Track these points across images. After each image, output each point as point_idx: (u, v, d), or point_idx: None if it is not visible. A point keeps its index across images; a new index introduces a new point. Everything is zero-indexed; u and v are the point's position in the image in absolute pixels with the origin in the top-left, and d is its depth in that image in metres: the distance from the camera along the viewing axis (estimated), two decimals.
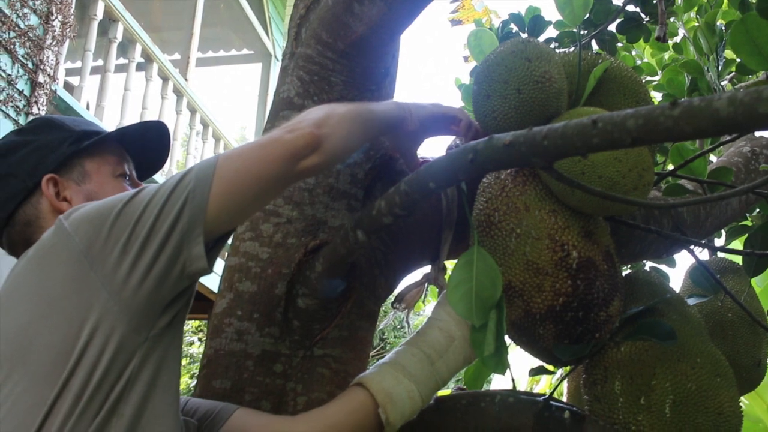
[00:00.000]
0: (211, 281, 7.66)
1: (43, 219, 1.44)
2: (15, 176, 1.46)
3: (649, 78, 3.79)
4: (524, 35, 3.26)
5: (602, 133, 0.98)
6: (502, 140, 1.12)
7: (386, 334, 15.11)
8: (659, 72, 3.74)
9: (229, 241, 1.38)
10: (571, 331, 1.51)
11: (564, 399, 1.91)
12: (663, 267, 2.73)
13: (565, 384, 1.97)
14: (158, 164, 1.68)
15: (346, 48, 1.61)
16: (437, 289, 1.71)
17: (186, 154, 8.55)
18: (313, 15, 1.68)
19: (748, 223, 2.91)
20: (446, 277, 1.70)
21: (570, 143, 1.03)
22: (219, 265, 6.91)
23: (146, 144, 1.61)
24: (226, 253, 1.64)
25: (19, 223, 1.45)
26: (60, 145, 1.48)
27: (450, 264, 1.69)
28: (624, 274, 1.81)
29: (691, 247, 2.02)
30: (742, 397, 4.80)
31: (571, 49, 3.00)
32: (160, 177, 7.26)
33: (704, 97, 0.86)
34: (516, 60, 1.61)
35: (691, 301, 2.02)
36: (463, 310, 1.33)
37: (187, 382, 13.89)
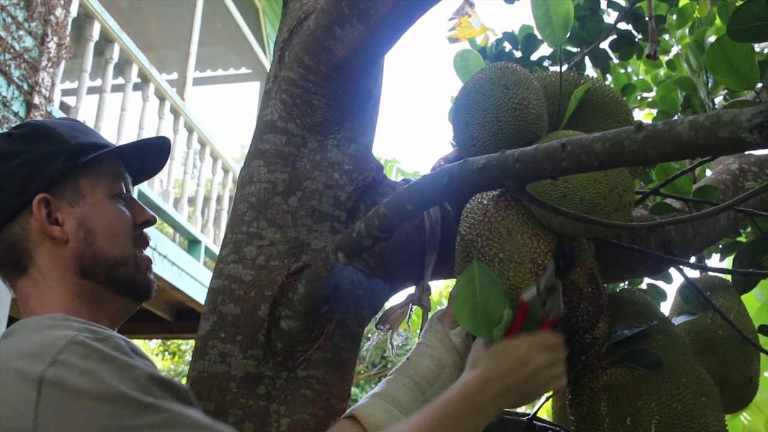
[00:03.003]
0: (198, 294, 7.67)
1: (31, 241, 1.36)
2: (2, 191, 1.36)
3: (644, 94, 3.81)
4: (518, 53, 3.29)
5: (571, 157, 0.99)
6: (475, 163, 1.14)
7: (386, 352, 15.07)
8: (654, 88, 3.76)
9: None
10: None
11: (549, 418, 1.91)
12: (660, 283, 2.74)
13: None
14: (155, 171, 1.62)
15: (328, 71, 1.62)
16: (422, 310, 1.71)
17: (184, 173, 8.58)
18: (296, 38, 1.70)
19: (743, 239, 2.91)
20: (430, 298, 1.71)
21: (541, 166, 1.04)
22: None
23: (144, 155, 1.55)
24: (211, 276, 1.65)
25: (4, 242, 1.37)
26: (54, 159, 1.38)
27: (434, 285, 1.69)
28: (609, 293, 1.82)
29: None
30: (743, 413, 4.80)
31: (565, 68, 3.02)
32: (155, 193, 7.28)
33: (668, 121, 0.87)
34: (494, 87, 1.61)
35: (680, 319, 2.02)
36: (472, 327, 1.32)
37: None
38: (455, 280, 1.54)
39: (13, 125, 5.39)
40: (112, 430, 1.07)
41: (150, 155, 1.57)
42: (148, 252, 1.53)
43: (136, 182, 1.56)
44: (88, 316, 1.35)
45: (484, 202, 1.58)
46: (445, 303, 1.88)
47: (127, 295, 1.45)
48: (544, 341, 1.36)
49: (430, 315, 1.60)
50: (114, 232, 1.42)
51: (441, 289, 10.59)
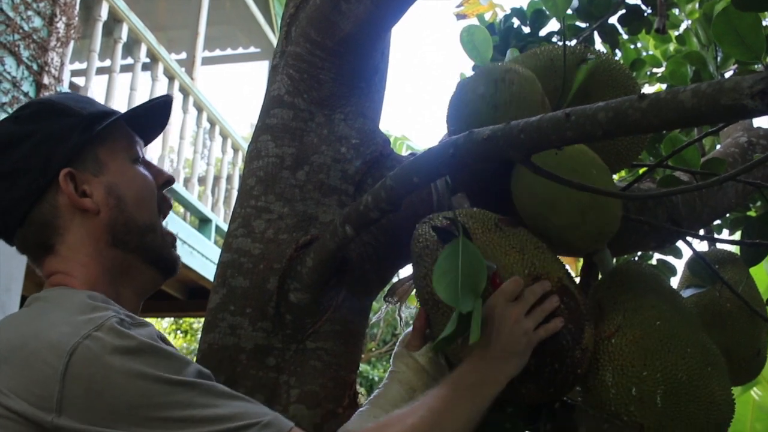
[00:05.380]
0: (209, 273, 7.70)
1: (62, 218, 1.36)
2: (24, 173, 1.34)
3: (654, 70, 3.79)
4: (526, 29, 3.28)
5: (575, 126, 1.00)
6: (481, 134, 1.15)
7: (397, 330, 15.09)
8: (663, 63, 3.74)
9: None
10: (553, 381, 1.48)
11: None
12: (669, 259, 2.74)
13: None
14: (159, 131, 1.61)
15: (334, 46, 1.63)
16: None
17: (194, 153, 8.60)
18: (302, 14, 1.70)
19: (753, 213, 2.91)
20: None
21: (545, 136, 1.05)
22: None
23: (149, 117, 1.54)
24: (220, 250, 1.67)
25: (35, 223, 1.36)
26: (69, 133, 1.36)
27: None
28: (615, 266, 1.82)
29: (689, 237, 2.03)
30: (754, 389, 4.80)
31: (573, 43, 3.00)
32: None
33: (671, 89, 0.87)
34: (483, 105, 1.59)
35: (688, 292, 2.03)
36: (449, 297, 1.31)
37: None
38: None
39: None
40: (141, 408, 1.09)
41: (154, 116, 1.56)
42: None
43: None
44: (113, 291, 1.36)
45: (430, 246, 1.49)
46: None
47: (154, 265, 1.45)
48: (505, 291, 1.39)
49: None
50: (142, 196, 1.43)
51: None
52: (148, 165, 1.49)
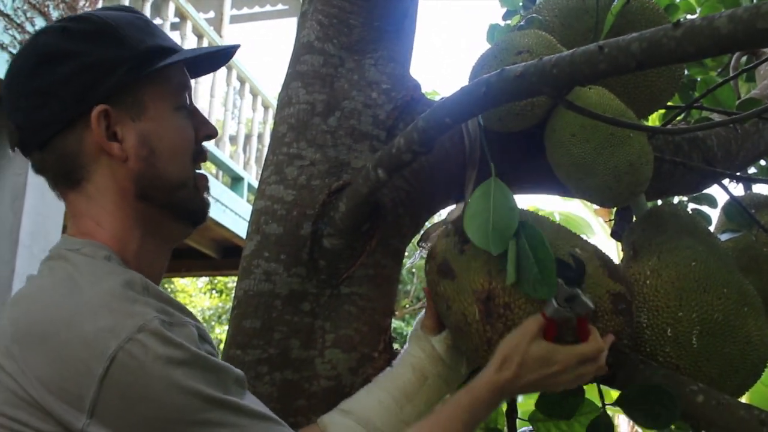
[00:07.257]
0: (243, 231, 7.75)
1: (86, 156, 1.24)
2: (57, 97, 1.21)
3: (688, 17, 3.71)
4: None
5: (608, 59, 0.99)
6: (513, 72, 1.14)
7: None
8: (698, 10, 3.67)
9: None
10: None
11: None
12: (704, 208, 2.71)
13: None
14: (211, 71, 1.51)
15: None
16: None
17: (225, 112, 8.62)
18: None
19: None
20: None
21: (578, 70, 1.04)
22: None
23: (208, 59, 1.42)
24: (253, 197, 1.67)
25: (55, 152, 1.24)
26: (117, 66, 1.23)
27: None
28: (650, 208, 1.81)
29: (725, 181, 2.01)
30: None
31: None
32: None
33: (706, 17, 0.86)
34: None
35: (724, 237, 2.01)
36: (480, 239, 1.31)
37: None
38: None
39: None
40: (176, 423, 1.05)
41: (212, 61, 1.46)
42: None
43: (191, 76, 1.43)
44: (147, 244, 1.29)
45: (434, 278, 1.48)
46: None
47: (183, 219, 1.35)
48: (585, 354, 1.34)
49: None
50: (177, 150, 1.30)
51: None
52: (193, 113, 1.36)
